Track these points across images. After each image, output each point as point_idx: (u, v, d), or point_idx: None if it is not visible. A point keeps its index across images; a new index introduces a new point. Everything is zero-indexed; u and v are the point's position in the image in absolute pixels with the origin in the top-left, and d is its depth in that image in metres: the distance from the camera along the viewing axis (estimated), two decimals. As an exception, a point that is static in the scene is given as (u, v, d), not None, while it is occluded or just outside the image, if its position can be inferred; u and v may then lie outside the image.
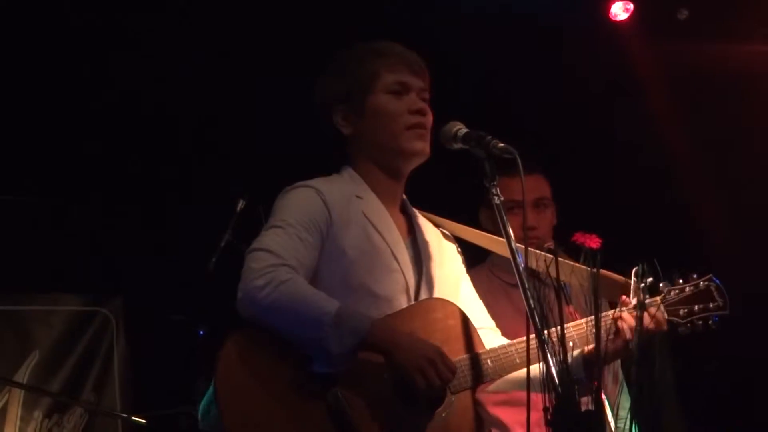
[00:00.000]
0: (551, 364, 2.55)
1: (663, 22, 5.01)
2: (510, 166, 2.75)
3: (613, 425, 3.57)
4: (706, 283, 3.15)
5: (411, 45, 3.10)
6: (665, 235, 4.73)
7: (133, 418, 4.52)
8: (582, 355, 2.95)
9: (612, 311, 2.97)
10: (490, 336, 3.07)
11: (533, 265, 2.85)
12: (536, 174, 3.89)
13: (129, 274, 5.17)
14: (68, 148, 4.97)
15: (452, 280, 3.09)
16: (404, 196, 3.12)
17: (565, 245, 3.27)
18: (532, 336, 2.64)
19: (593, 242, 3.30)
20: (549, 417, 2.50)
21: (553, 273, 2.69)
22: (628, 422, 2.69)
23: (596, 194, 4.96)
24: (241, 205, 4.38)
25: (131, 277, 5.16)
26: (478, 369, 2.87)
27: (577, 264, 2.99)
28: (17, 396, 4.80)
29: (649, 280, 3.01)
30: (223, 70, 4.95)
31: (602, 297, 2.99)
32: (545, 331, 2.61)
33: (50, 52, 4.73)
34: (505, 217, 2.77)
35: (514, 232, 2.79)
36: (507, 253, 2.76)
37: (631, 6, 5.09)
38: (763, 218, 4.91)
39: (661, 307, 3.07)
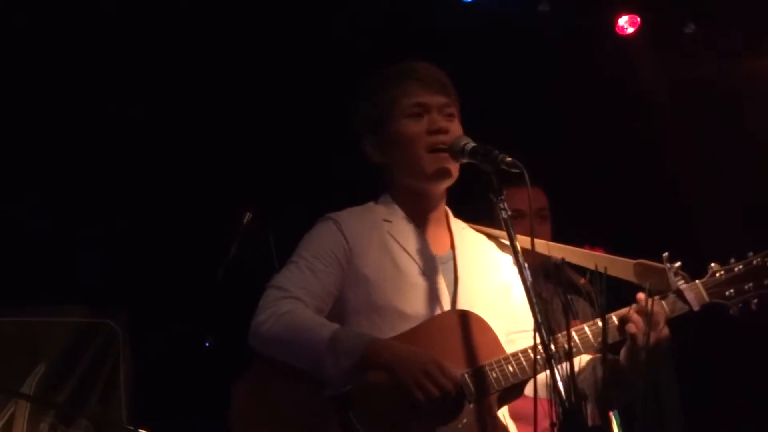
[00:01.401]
0: (558, 378, 2.54)
1: (669, 35, 5.02)
2: (512, 178, 2.77)
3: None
4: (761, 258, 2.96)
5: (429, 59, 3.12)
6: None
7: (140, 430, 4.52)
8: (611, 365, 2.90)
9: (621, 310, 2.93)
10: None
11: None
12: (536, 186, 3.93)
13: (135, 285, 5.16)
14: (80, 158, 4.97)
15: (498, 290, 3.08)
16: (448, 213, 3.14)
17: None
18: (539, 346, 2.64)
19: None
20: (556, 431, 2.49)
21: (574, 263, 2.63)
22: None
23: (602, 208, 4.96)
24: (247, 217, 4.38)
25: (137, 289, 5.16)
26: (495, 376, 2.85)
27: (617, 257, 2.96)
28: (23, 408, 4.80)
29: (677, 264, 2.92)
30: (234, 79, 4.96)
31: (647, 284, 2.88)
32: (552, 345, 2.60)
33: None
34: (513, 232, 2.77)
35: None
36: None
37: (638, 20, 5.10)
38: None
39: (701, 290, 2.95)
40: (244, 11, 4.93)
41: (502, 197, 2.79)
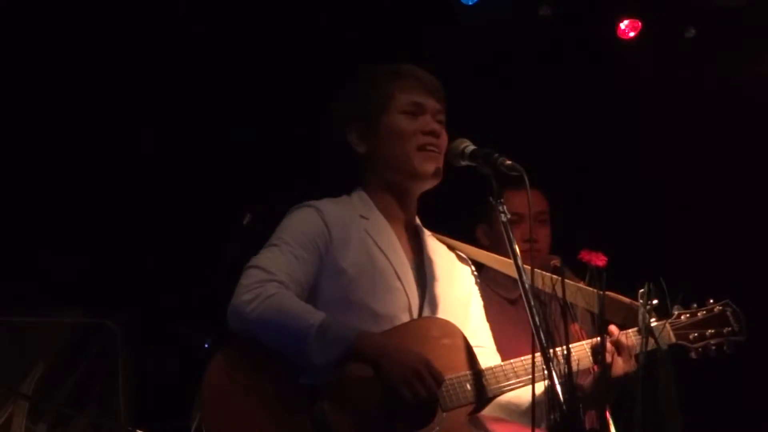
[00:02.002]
0: (556, 381, 2.54)
1: (671, 40, 5.03)
2: (512, 181, 2.77)
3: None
4: (720, 307, 3.11)
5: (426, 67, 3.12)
6: (678, 256, 4.73)
7: (138, 431, 4.52)
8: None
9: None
10: (489, 356, 3.07)
11: (539, 284, 2.85)
12: (537, 189, 3.94)
13: (134, 286, 5.16)
14: (78, 158, 4.98)
15: (460, 301, 3.09)
16: (416, 218, 3.14)
17: (570, 263, 3.28)
18: (537, 353, 2.65)
19: (599, 260, 3.30)
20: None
21: (558, 292, 2.68)
22: None
23: (603, 213, 4.96)
24: (248, 218, 4.39)
25: (136, 289, 5.16)
26: (469, 388, 2.86)
27: (582, 285, 2.98)
28: (22, 408, 4.80)
29: (654, 302, 2.99)
30: (230, 78, 4.96)
31: (609, 319, 2.96)
32: (551, 350, 2.60)
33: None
34: (512, 235, 2.77)
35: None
36: (513, 273, 2.77)
37: (639, 24, 5.10)
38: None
39: (669, 331, 3.04)
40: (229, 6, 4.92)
41: (502, 200, 2.80)
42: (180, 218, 5.20)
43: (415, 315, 2.96)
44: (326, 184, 3.13)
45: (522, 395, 2.94)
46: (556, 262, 3.22)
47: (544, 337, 2.61)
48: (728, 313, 3.10)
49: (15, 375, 4.85)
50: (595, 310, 2.98)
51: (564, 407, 2.51)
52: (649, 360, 2.91)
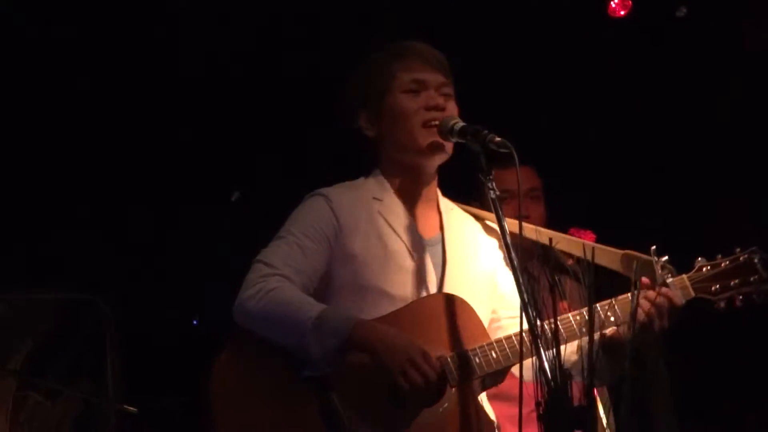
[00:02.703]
0: (544, 358, 2.54)
1: (661, 18, 5.01)
2: (503, 159, 2.76)
3: (605, 421, 3.59)
4: (747, 255, 2.97)
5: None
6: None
7: (126, 407, 4.52)
8: (601, 339, 2.89)
9: (607, 301, 2.93)
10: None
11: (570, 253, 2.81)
12: (529, 166, 3.94)
13: (123, 263, 5.16)
14: (69, 138, 4.97)
15: (484, 274, 3.07)
16: (438, 193, 3.13)
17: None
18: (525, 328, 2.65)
19: (588, 237, 3.31)
20: (541, 412, 2.49)
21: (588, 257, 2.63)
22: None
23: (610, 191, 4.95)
24: (236, 195, 4.39)
25: (126, 267, 5.16)
26: (478, 361, 2.84)
27: (605, 246, 2.96)
28: (10, 385, 4.80)
29: (664, 258, 2.93)
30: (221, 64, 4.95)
31: (637, 277, 2.87)
32: (538, 324, 2.60)
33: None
34: (501, 212, 2.76)
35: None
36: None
37: (629, 2, 5.09)
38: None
39: (687, 285, 2.96)
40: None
41: (491, 177, 2.79)
42: (170, 195, 5.20)
43: (434, 293, 2.96)
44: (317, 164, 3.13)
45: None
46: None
47: (534, 312, 2.60)
48: (756, 260, 2.95)
49: (3, 351, 4.85)
50: (619, 269, 2.97)
51: (552, 384, 2.50)
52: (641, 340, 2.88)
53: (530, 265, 3.65)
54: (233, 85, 5.00)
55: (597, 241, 3.35)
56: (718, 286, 2.95)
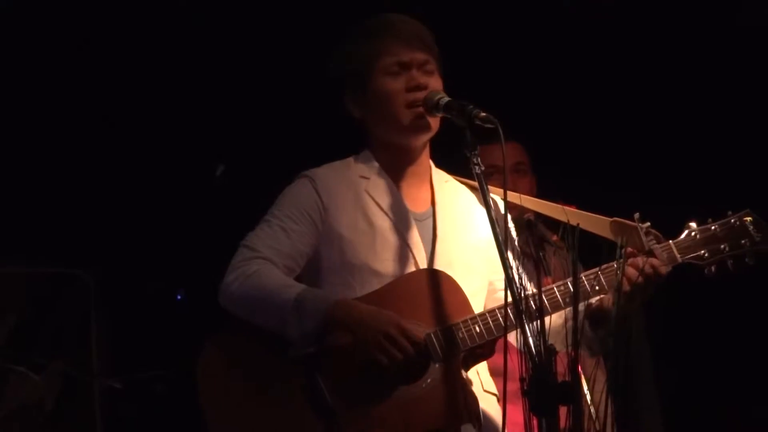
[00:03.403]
0: (528, 333, 2.54)
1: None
2: (490, 135, 2.75)
3: (589, 397, 3.60)
4: (738, 219, 2.91)
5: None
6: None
7: (109, 381, 4.52)
8: (588, 310, 2.89)
9: (592, 270, 2.92)
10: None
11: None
12: (515, 142, 3.94)
13: (108, 237, 5.14)
14: (53, 113, 4.94)
15: (477, 247, 3.05)
16: (431, 167, 3.12)
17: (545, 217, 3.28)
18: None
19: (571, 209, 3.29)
20: (525, 387, 2.50)
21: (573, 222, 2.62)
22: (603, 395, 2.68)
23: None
24: (221, 170, 4.38)
25: (110, 241, 5.14)
26: (461, 336, 2.84)
27: (593, 214, 2.96)
28: (-7, 358, 4.79)
29: (647, 224, 2.89)
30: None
31: (622, 242, 2.83)
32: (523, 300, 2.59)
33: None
34: (486, 187, 2.76)
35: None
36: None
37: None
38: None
39: (674, 250, 2.92)
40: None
41: (476, 152, 2.78)
42: (155, 168, 5.18)
43: (418, 269, 2.95)
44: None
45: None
46: (529, 215, 3.22)
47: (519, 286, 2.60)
48: (748, 222, 2.90)
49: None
50: (609, 236, 2.96)
51: (536, 360, 2.50)
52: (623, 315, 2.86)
53: (518, 240, 3.65)
54: (221, 56, 4.98)
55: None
56: (706, 250, 2.91)
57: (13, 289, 5.01)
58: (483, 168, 2.78)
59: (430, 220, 3.04)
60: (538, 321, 2.53)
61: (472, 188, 3.15)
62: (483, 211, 3.06)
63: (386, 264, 2.94)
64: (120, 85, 4.99)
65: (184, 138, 5.10)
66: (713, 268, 2.91)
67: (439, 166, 3.15)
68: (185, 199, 4.60)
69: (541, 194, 3.92)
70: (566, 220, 2.68)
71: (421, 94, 2.96)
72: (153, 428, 4.96)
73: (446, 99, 2.90)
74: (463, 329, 2.85)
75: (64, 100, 4.95)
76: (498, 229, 2.69)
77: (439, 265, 2.96)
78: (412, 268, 2.94)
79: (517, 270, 2.64)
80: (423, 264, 2.96)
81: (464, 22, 4.78)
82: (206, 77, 5.00)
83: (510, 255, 2.68)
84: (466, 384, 2.88)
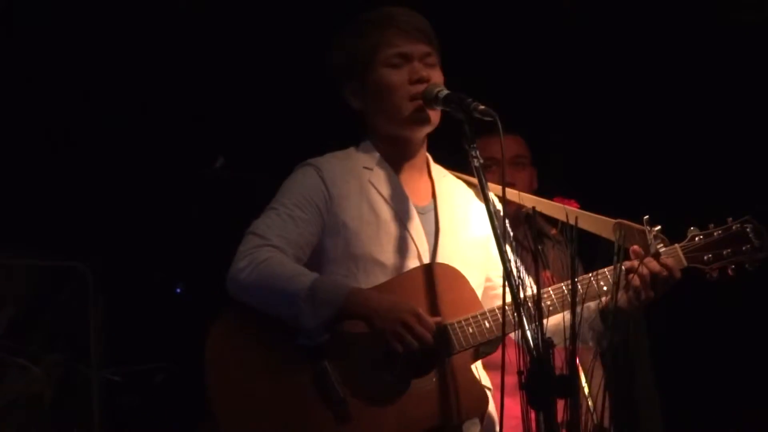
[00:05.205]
0: (526, 327, 2.54)
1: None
2: (489, 127, 2.75)
3: (586, 390, 3.60)
4: (739, 225, 2.97)
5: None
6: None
7: (108, 374, 4.52)
8: (599, 307, 2.92)
9: (590, 273, 2.93)
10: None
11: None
12: (514, 135, 3.94)
13: (107, 229, 5.14)
14: (53, 105, 4.93)
15: (476, 242, 3.06)
16: (429, 160, 3.13)
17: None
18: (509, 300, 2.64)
19: (572, 206, 3.30)
20: (523, 380, 2.49)
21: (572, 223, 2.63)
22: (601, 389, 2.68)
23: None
24: (220, 161, 4.37)
25: (109, 233, 5.14)
26: (471, 331, 2.85)
27: (597, 215, 2.97)
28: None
29: (657, 228, 2.92)
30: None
31: (628, 245, 2.89)
32: (522, 295, 2.59)
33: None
34: (485, 180, 2.75)
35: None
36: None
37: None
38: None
39: (680, 254, 2.96)
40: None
41: (475, 145, 2.77)
42: (153, 160, 5.17)
43: (426, 261, 2.95)
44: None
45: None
46: (527, 209, 3.22)
47: (518, 282, 2.59)
48: (748, 229, 2.96)
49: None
50: (610, 237, 2.97)
51: (534, 353, 2.50)
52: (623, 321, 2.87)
53: (517, 233, 3.65)
54: (220, 48, 4.97)
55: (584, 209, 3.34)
56: (710, 255, 2.95)
57: (11, 280, 5.01)
58: (482, 161, 2.77)
59: (432, 213, 3.04)
60: (536, 315, 2.53)
61: (468, 184, 3.16)
62: (481, 206, 3.08)
63: (389, 255, 2.93)
64: (118, 77, 4.99)
65: (183, 131, 5.10)
66: (715, 273, 2.96)
67: (436, 161, 3.15)
68: (185, 192, 4.59)
69: (540, 187, 3.93)
70: (566, 220, 2.69)
71: (422, 87, 2.95)
72: (151, 420, 4.96)
73: (445, 92, 2.90)
74: (474, 324, 2.85)
75: (61, 93, 4.94)
76: (497, 223, 2.69)
77: (441, 258, 2.96)
78: (414, 260, 2.94)
79: (515, 263, 2.64)
80: (425, 256, 2.96)
81: (463, 14, 4.77)
82: (207, 70, 4.99)
83: (509, 250, 2.68)
84: (473, 378, 2.89)
